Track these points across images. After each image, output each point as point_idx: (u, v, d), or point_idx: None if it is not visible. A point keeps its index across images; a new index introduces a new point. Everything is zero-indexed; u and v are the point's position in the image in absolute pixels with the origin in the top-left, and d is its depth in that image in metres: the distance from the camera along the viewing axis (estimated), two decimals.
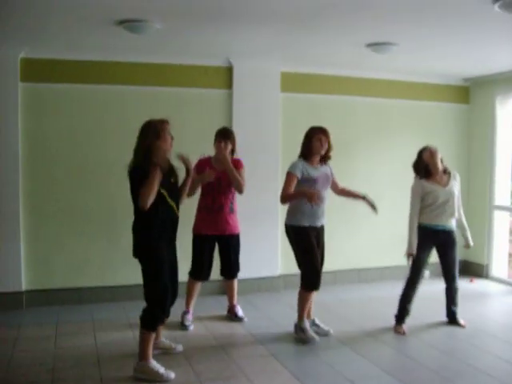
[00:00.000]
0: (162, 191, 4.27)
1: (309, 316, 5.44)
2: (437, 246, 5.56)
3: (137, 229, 4.36)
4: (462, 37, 5.47)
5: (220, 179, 5.52)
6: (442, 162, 5.55)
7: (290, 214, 5.26)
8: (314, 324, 5.45)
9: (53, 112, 6.27)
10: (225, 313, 5.97)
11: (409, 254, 5.42)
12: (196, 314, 5.76)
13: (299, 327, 5.25)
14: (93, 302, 6.36)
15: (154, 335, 4.38)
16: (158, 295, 4.31)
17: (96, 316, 5.93)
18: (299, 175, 5.11)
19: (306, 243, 5.14)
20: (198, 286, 5.68)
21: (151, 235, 4.30)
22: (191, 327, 5.54)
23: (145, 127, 4.32)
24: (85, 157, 6.37)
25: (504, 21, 4.72)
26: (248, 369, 4.51)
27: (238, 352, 4.95)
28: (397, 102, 7.72)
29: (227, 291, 5.93)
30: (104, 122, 6.43)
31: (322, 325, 5.47)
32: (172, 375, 4.31)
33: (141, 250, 4.35)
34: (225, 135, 5.56)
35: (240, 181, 5.53)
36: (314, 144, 5.22)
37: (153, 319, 4.32)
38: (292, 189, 5.10)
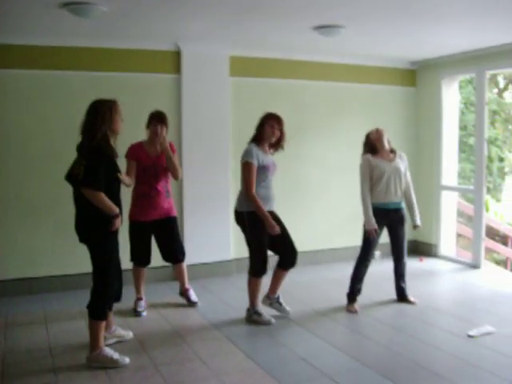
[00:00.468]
0: (118, 176, 4.26)
1: (274, 292, 5.50)
2: (387, 225, 5.66)
3: (90, 213, 4.18)
4: (407, 19, 5.52)
5: (156, 164, 5.46)
6: (388, 142, 5.64)
7: (242, 200, 5.21)
8: (277, 301, 5.50)
9: None
10: (179, 299, 5.93)
11: (370, 230, 5.46)
12: (149, 301, 5.74)
13: (254, 312, 5.28)
14: (43, 292, 6.26)
15: (104, 323, 4.32)
16: (107, 282, 4.26)
17: (47, 306, 5.84)
18: (256, 163, 5.06)
19: (259, 229, 5.12)
20: (144, 272, 5.65)
21: (105, 221, 4.18)
22: (144, 313, 5.51)
23: (98, 107, 4.18)
24: (29, 145, 6.22)
25: (448, 2, 4.81)
26: (203, 351, 4.52)
27: (193, 336, 4.95)
28: (346, 86, 7.79)
29: (178, 277, 5.84)
30: (48, 108, 6.28)
31: (284, 304, 5.52)
32: (127, 360, 4.29)
33: (93, 235, 4.25)
34: (161, 119, 5.49)
35: (177, 167, 5.49)
36: (267, 130, 5.21)
37: (102, 307, 4.26)
38: (254, 178, 5.05)
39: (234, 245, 6.96)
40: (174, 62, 6.75)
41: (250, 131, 5.37)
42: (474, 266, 7.36)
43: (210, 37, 6.37)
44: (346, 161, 7.67)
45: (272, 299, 5.49)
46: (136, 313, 5.50)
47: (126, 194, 5.36)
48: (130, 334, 4.87)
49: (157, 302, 5.87)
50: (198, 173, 6.60)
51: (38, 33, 5.95)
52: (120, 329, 4.84)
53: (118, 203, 4.29)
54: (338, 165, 7.73)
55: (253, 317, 5.28)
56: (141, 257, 5.58)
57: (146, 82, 6.63)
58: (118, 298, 4.58)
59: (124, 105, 4.44)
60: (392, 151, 5.67)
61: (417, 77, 8.29)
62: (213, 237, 6.91)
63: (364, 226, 5.52)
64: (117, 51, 6.49)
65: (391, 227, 5.68)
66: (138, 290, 5.64)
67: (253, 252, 5.22)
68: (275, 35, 6.30)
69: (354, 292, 5.67)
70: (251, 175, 5.04)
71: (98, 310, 4.24)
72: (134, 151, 5.44)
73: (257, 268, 5.19)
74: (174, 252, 5.69)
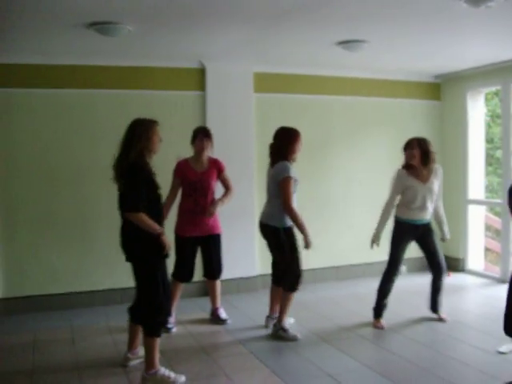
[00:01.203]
0: (158, 193, 4.26)
1: (274, 311, 5.54)
2: (416, 239, 5.61)
3: (134, 231, 4.14)
4: (431, 33, 5.52)
5: (201, 180, 5.53)
6: (430, 154, 5.48)
7: (278, 215, 5.21)
8: (274, 318, 5.51)
9: (24, 118, 6.20)
10: (204, 315, 5.95)
11: (372, 241, 5.55)
12: (176, 317, 5.74)
13: (280, 327, 5.27)
14: (70, 308, 6.31)
15: (159, 341, 4.26)
16: (159, 299, 4.20)
17: (74, 322, 5.88)
18: (293, 178, 5.13)
19: (296, 245, 5.23)
20: (181, 288, 5.65)
21: (149, 238, 4.15)
22: (174, 329, 5.50)
23: (137, 127, 4.21)
24: (56, 162, 6.31)
25: (472, 16, 4.79)
26: (228, 367, 4.51)
27: (218, 352, 4.95)
28: (370, 100, 7.78)
29: (210, 293, 5.87)
30: (76, 126, 6.38)
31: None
32: (183, 378, 4.25)
33: (139, 253, 4.20)
34: (206, 133, 5.58)
35: (231, 195, 5.74)
36: (298, 147, 5.27)
37: (157, 323, 4.23)
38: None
39: (259, 261, 6.96)
40: (198, 79, 6.81)
41: (269, 147, 5.39)
42: (503, 280, 7.24)
43: (233, 54, 6.42)
44: (371, 175, 7.65)
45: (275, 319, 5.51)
46: (165, 329, 5.47)
47: (173, 208, 5.53)
48: None
49: (183, 318, 5.88)
50: (223, 189, 6.61)
51: (64, 52, 6.06)
52: (143, 348, 4.82)
53: (160, 221, 4.26)
54: (363, 179, 7.70)
55: (279, 333, 5.27)
56: (183, 272, 5.59)
57: (171, 99, 6.69)
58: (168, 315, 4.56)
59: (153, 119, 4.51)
60: (429, 167, 5.49)
61: (441, 90, 8.24)
62: (238, 253, 6.92)
63: (373, 236, 5.57)
64: (142, 69, 6.58)
65: (420, 241, 5.61)
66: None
67: (291, 267, 5.21)
68: (299, 51, 6.33)
69: (380, 307, 5.61)
70: (291, 190, 5.09)
71: (153, 326, 4.21)
72: (181, 168, 5.53)
73: (295, 283, 5.21)
74: (211, 268, 5.74)
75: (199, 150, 5.56)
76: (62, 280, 6.37)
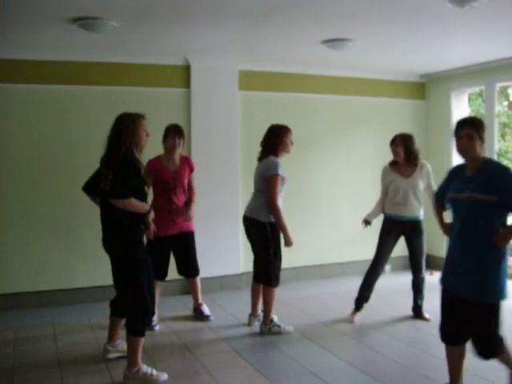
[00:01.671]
0: (145, 190, 4.25)
1: (257, 309, 5.59)
2: (404, 236, 5.65)
3: (121, 223, 4.12)
4: (416, 33, 5.54)
5: (175, 179, 5.49)
6: (413, 152, 5.54)
7: (263, 210, 5.23)
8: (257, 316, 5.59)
9: (8, 113, 6.15)
10: (188, 312, 5.93)
11: (363, 220, 5.70)
12: (159, 315, 5.71)
13: (274, 324, 5.29)
14: (53, 306, 6.26)
15: (143, 340, 4.23)
16: (145, 300, 4.17)
17: (56, 319, 5.84)
18: (281, 175, 5.15)
19: (279, 240, 5.28)
20: (158, 286, 5.62)
21: (137, 231, 4.18)
22: (157, 327, 5.48)
23: (123, 121, 4.17)
24: (43, 159, 6.27)
25: (456, 16, 4.81)
26: (211, 365, 4.50)
27: (201, 349, 4.94)
28: (356, 99, 7.80)
29: (191, 290, 5.86)
30: (61, 123, 6.33)
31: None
32: (165, 376, 4.24)
33: (124, 247, 4.17)
34: (179, 131, 5.55)
35: (193, 196, 5.69)
36: (287, 143, 5.29)
37: (142, 323, 4.21)
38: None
39: (243, 258, 6.94)
40: (183, 76, 6.79)
41: (259, 143, 5.38)
42: None
43: (219, 51, 6.40)
44: (356, 173, 7.66)
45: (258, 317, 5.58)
46: (148, 327, 5.44)
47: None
48: None
49: (166, 315, 5.86)
50: (208, 186, 6.59)
51: (49, 48, 6.01)
52: (124, 343, 4.80)
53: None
54: (348, 177, 7.71)
55: (274, 329, 5.27)
56: (157, 271, 5.54)
57: (156, 96, 6.66)
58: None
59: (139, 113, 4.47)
60: (413, 163, 5.55)
61: (426, 90, 8.29)
62: (222, 251, 6.90)
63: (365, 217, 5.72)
64: (127, 66, 6.54)
65: (407, 239, 5.66)
66: None
67: (272, 262, 5.23)
68: (284, 49, 6.33)
69: (360, 298, 5.68)
70: (277, 187, 5.12)
71: (137, 325, 4.18)
72: (153, 166, 5.43)
73: (276, 278, 5.26)
74: (187, 267, 5.72)
75: (171, 148, 5.50)
76: (45, 277, 6.32)
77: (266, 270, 5.26)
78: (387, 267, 7.61)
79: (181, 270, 5.77)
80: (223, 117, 6.94)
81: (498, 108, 7.80)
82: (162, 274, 5.56)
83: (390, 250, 5.67)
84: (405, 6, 4.61)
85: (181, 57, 6.68)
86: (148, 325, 4.42)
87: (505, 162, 12.95)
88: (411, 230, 5.59)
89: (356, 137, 7.78)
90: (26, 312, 6.08)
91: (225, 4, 4.59)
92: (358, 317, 5.67)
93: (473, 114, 12.00)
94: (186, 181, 5.60)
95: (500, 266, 3.49)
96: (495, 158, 7.27)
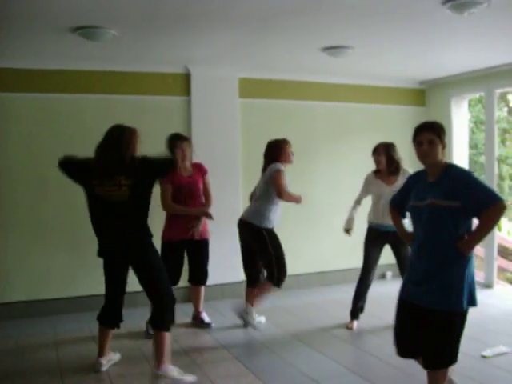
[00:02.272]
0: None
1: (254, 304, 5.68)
2: (389, 244, 5.63)
3: (142, 228, 4.31)
4: (416, 39, 5.56)
5: (190, 184, 5.52)
6: (394, 161, 5.59)
7: (261, 216, 5.36)
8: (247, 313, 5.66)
9: (10, 122, 6.17)
10: (188, 320, 5.92)
11: (345, 229, 5.83)
12: None
13: (251, 313, 5.50)
14: (54, 314, 6.26)
15: (170, 336, 4.32)
16: (171, 289, 4.37)
17: (58, 328, 5.84)
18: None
19: (279, 242, 5.43)
20: None
21: (150, 233, 4.38)
22: None
23: (122, 134, 4.25)
24: (44, 167, 6.25)
25: (455, 22, 4.83)
26: (212, 373, 4.49)
27: (202, 357, 4.93)
28: (355, 106, 7.81)
29: (193, 298, 5.87)
30: (63, 131, 6.35)
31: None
32: (191, 378, 4.28)
33: (148, 248, 4.34)
34: (185, 137, 5.60)
35: (210, 201, 5.73)
36: (289, 153, 5.51)
37: (172, 316, 4.32)
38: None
39: None
40: (183, 84, 6.81)
41: (260, 152, 5.42)
42: (487, 285, 7.30)
43: (219, 59, 6.42)
44: (355, 181, 7.63)
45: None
46: (148, 335, 5.35)
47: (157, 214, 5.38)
48: (117, 356, 4.81)
49: None
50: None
51: (50, 56, 6.03)
52: (111, 353, 4.78)
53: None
54: (347, 185, 7.67)
55: (247, 317, 5.47)
56: (169, 276, 5.52)
57: (156, 104, 6.68)
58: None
59: (135, 127, 4.46)
60: (394, 171, 5.58)
61: (426, 96, 8.30)
62: (223, 258, 6.88)
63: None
64: (127, 74, 6.56)
65: (392, 247, 5.63)
66: None
67: (276, 263, 5.34)
68: (284, 57, 6.35)
69: (354, 309, 5.72)
70: (283, 180, 5.30)
71: (167, 318, 4.27)
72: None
73: (282, 278, 5.38)
74: (199, 274, 5.75)
75: (183, 158, 5.50)
76: (47, 286, 6.33)
77: (275, 271, 5.36)
78: (388, 274, 7.63)
79: (192, 276, 5.79)
80: (224, 124, 6.95)
81: (497, 114, 7.81)
82: (174, 279, 5.52)
83: (377, 258, 5.69)
84: (404, 13, 4.62)
85: (181, 65, 6.69)
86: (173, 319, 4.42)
87: (505, 168, 12.97)
88: (395, 238, 5.51)
89: (356, 144, 7.78)
90: (28, 320, 6.08)
91: (225, 13, 4.61)
92: (356, 324, 5.69)
93: (473, 121, 12.05)
94: (201, 186, 5.65)
95: (464, 273, 3.35)
96: (496, 164, 7.28)
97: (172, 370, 4.21)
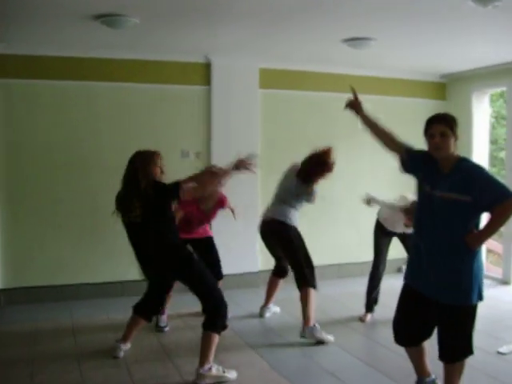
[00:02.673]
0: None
1: (270, 301, 5.77)
2: (398, 238, 5.62)
3: (172, 241, 4.31)
4: (438, 32, 5.51)
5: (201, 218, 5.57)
6: None
7: (288, 214, 5.28)
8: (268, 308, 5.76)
9: (31, 109, 6.21)
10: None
11: (365, 201, 5.70)
12: (176, 311, 5.75)
13: (315, 329, 5.03)
14: (72, 300, 6.33)
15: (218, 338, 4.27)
16: (220, 291, 4.34)
17: (75, 313, 5.91)
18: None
19: (304, 241, 5.32)
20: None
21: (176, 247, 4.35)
22: (166, 329, 5.43)
23: (138, 158, 4.29)
24: (65, 153, 6.33)
25: (478, 15, 4.78)
26: (228, 362, 4.49)
27: (218, 346, 4.92)
28: (375, 99, 7.70)
29: None
30: (83, 118, 6.39)
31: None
32: (234, 374, 4.26)
33: (181, 261, 4.29)
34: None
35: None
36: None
37: (224, 318, 4.29)
38: None
39: (261, 257, 6.95)
40: (204, 73, 6.81)
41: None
42: (505, 281, 7.25)
43: (240, 49, 6.41)
44: (375, 171, 7.64)
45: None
46: (158, 328, 5.41)
47: None
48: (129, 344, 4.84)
49: (183, 311, 5.89)
50: (227, 183, 6.60)
51: (71, 44, 6.05)
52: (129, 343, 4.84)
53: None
54: (366, 178, 7.68)
55: (317, 335, 5.02)
56: None
57: (177, 93, 6.69)
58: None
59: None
60: None
61: (447, 90, 8.23)
62: (240, 248, 6.92)
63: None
64: (147, 63, 6.57)
65: (400, 240, 5.62)
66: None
67: (305, 263, 5.21)
68: (305, 47, 6.33)
69: (369, 302, 5.73)
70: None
71: (219, 321, 4.24)
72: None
73: (314, 278, 5.22)
74: (214, 270, 5.66)
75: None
76: (65, 271, 6.40)
77: (305, 272, 5.19)
78: (404, 267, 7.58)
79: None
80: (244, 115, 6.95)
81: None
82: None
83: (386, 250, 5.69)
84: (428, 5, 4.59)
85: (202, 55, 6.70)
86: (226, 319, 4.38)
87: None
88: (402, 234, 5.54)
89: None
90: (46, 305, 6.16)
91: (246, 2, 4.60)
92: (370, 317, 5.71)
93: (494, 116, 11.93)
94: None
95: (473, 268, 3.31)
96: None
97: (215, 369, 4.17)
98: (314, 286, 5.18)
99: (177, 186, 4.13)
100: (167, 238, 4.27)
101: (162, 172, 4.33)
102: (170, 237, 4.29)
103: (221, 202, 5.63)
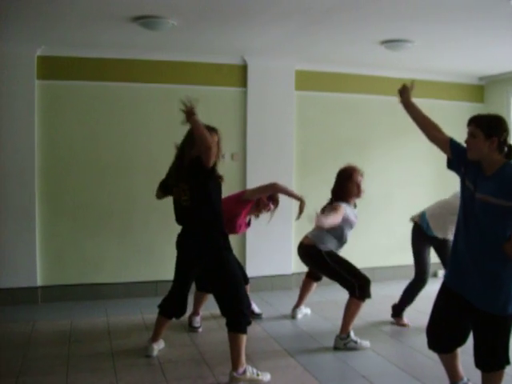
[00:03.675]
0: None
1: (302, 303, 5.80)
2: (434, 248, 5.55)
3: (216, 229, 4.26)
4: (477, 34, 5.46)
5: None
6: None
7: (324, 238, 5.18)
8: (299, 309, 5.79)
9: (69, 110, 6.32)
10: None
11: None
12: (211, 312, 5.79)
13: (349, 338, 4.97)
14: (107, 298, 6.42)
15: (245, 338, 4.19)
16: (245, 293, 4.27)
17: (110, 312, 5.98)
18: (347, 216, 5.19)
19: (343, 259, 5.22)
20: (205, 296, 5.57)
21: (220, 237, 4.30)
22: (200, 329, 5.46)
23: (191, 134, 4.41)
24: (101, 154, 6.42)
25: None
26: (261, 364, 4.49)
27: (252, 348, 4.93)
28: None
29: None
30: (120, 119, 6.47)
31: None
32: (268, 376, 4.23)
33: (219, 253, 4.24)
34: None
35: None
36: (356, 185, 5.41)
37: (247, 318, 4.20)
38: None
39: (294, 259, 6.93)
40: (240, 75, 6.83)
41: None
42: None
43: (276, 50, 6.41)
44: (410, 176, 7.57)
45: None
46: (192, 328, 5.46)
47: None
48: (163, 343, 4.88)
49: (217, 312, 5.88)
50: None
51: (110, 46, 6.15)
52: (162, 341, 4.87)
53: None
54: (402, 179, 7.62)
55: (350, 345, 4.95)
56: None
57: (213, 95, 6.72)
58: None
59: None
60: None
61: (485, 92, 8.12)
62: (274, 250, 6.92)
63: None
64: (184, 64, 6.63)
65: (437, 251, 5.55)
66: (198, 305, 5.60)
67: (352, 277, 5.05)
68: (341, 49, 6.30)
69: (401, 307, 5.66)
70: (340, 213, 5.03)
71: (243, 321, 4.15)
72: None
73: (364, 291, 5.02)
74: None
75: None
76: (100, 270, 6.48)
77: (355, 283, 5.05)
78: (440, 272, 7.51)
79: None
80: (279, 116, 6.95)
81: None
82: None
83: (429, 256, 5.55)
84: (468, 7, 4.54)
85: (238, 56, 6.72)
86: (249, 321, 4.26)
87: None
88: (438, 243, 5.44)
89: (411, 139, 7.62)
90: (82, 303, 6.27)
91: (283, 3, 4.61)
92: (406, 319, 5.64)
93: None
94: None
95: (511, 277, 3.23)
96: None
97: (249, 371, 4.14)
98: (361, 299, 5.02)
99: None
100: (215, 225, 4.26)
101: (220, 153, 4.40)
102: (215, 224, 4.27)
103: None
